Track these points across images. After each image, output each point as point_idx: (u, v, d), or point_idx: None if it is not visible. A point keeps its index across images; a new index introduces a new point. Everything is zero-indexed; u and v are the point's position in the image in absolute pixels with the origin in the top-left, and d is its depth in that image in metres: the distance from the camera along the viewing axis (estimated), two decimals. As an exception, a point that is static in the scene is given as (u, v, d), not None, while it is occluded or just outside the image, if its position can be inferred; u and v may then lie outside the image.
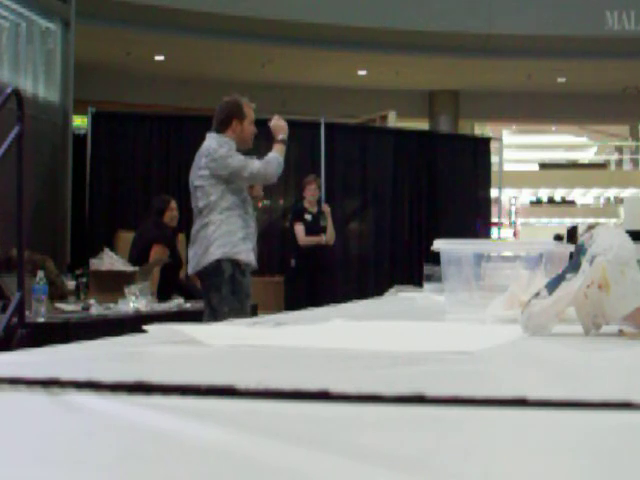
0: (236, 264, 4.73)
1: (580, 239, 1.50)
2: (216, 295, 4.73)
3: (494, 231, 13.06)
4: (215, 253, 4.71)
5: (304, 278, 8.16)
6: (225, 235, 4.72)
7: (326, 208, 8.43)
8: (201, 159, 4.85)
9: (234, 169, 4.76)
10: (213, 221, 4.75)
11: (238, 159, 4.79)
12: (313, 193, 8.31)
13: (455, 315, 1.99)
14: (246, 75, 15.51)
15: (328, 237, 8.28)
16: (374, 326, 1.76)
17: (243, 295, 4.77)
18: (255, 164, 4.78)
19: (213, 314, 4.67)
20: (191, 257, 4.85)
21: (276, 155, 4.86)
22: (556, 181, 27.60)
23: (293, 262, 8.28)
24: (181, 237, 8.89)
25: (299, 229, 8.16)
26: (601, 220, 26.37)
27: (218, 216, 4.75)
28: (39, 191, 8.35)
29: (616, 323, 1.47)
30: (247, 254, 4.77)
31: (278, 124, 4.98)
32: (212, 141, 4.88)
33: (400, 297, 3.21)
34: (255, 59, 14.80)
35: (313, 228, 8.18)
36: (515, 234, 26.14)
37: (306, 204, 8.32)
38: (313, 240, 8.16)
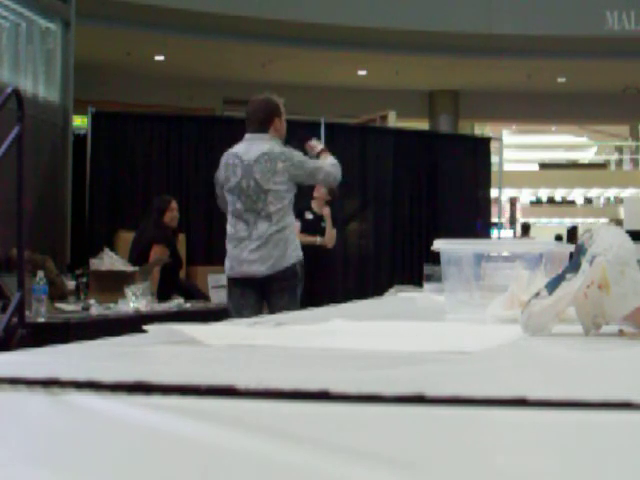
0: (302, 266, 4.97)
1: (580, 239, 1.50)
2: (290, 296, 4.86)
3: (495, 231, 13.07)
4: (292, 256, 4.88)
5: (308, 278, 8.11)
6: (295, 239, 4.98)
7: (326, 211, 8.38)
8: (275, 163, 4.86)
9: (311, 171, 4.91)
10: (288, 224, 4.91)
11: (313, 162, 4.96)
12: (323, 196, 8.23)
13: (455, 315, 1.99)
14: (246, 75, 15.51)
15: (326, 239, 8.23)
16: (374, 326, 1.76)
17: (300, 297, 5.00)
18: (327, 166, 4.94)
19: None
20: (263, 258, 4.87)
21: (332, 158, 5.04)
22: (556, 181, 27.60)
23: None
24: (181, 237, 8.89)
25: (295, 226, 8.10)
26: (601, 220, 26.42)
27: (290, 220, 4.94)
28: (39, 191, 8.35)
29: (616, 323, 1.47)
30: None
31: (312, 144, 5.17)
32: (275, 145, 4.92)
33: (400, 297, 3.21)
34: (255, 59, 14.80)
35: (312, 228, 8.14)
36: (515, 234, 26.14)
37: (313, 204, 8.28)
38: (307, 239, 8.11)
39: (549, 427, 0.70)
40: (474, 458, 0.60)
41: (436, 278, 2.69)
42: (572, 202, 30.45)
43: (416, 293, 3.13)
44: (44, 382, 0.83)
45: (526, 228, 15.34)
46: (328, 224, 8.27)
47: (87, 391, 0.81)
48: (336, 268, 9.70)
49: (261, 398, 0.78)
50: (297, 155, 4.91)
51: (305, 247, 8.07)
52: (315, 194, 8.25)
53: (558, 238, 13.43)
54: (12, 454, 0.60)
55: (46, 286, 4.86)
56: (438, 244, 2.08)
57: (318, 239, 8.15)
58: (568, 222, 25.31)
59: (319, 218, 8.25)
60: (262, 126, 4.94)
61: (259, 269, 4.86)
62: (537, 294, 1.49)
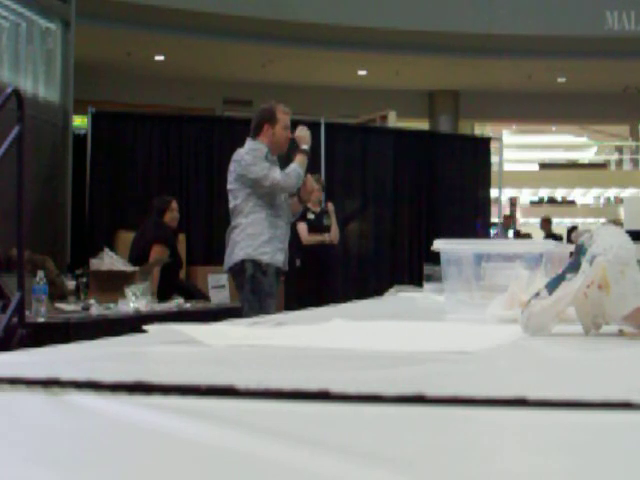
0: (258, 264, 4.99)
1: (580, 239, 1.50)
2: (240, 294, 5.08)
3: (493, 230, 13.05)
4: (239, 254, 5.01)
5: (310, 278, 8.12)
6: (249, 237, 5.00)
7: (330, 207, 8.39)
8: (231, 163, 5.09)
9: (256, 177, 4.98)
10: (239, 224, 5.04)
11: (261, 168, 4.99)
12: (316, 193, 8.23)
13: (455, 315, 1.99)
14: (246, 75, 15.51)
15: (332, 236, 8.25)
16: (374, 326, 1.76)
17: (263, 294, 5.01)
18: (276, 175, 4.99)
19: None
20: (225, 256, 5.18)
21: (296, 167, 5.08)
22: (556, 181, 27.59)
23: (298, 262, 8.22)
24: (181, 237, 8.89)
25: (302, 228, 8.12)
26: (601, 220, 26.37)
27: (243, 219, 5.02)
28: (39, 191, 8.35)
29: (616, 323, 1.47)
30: (272, 255, 5.03)
31: (301, 134, 5.19)
32: (245, 146, 5.10)
33: (400, 297, 3.21)
34: (255, 59, 14.80)
35: (316, 227, 8.15)
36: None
37: (308, 204, 8.26)
38: (317, 239, 8.13)
39: (549, 427, 0.70)
40: (474, 458, 0.60)
41: (436, 278, 2.70)
42: (572, 202, 30.44)
43: (416, 293, 3.13)
44: (44, 382, 0.83)
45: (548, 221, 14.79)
46: (333, 219, 8.28)
47: (87, 391, 0.81)
48: (337, 267, 9.70)
49: (261, 398, 0.78)
50: (248, 158, 5.00)
51: (315, 246, 8.11)
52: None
53: (558, 238, 13.42)
54: (12, 454, 0.60)
55: (46, 286, 4.86)
56: (438, 244, 2.08)
57: (327, 236, 8.17)
58: (568, 222, 25.30)
59: (320, 215, 8.25)
60: (253, 132, 5.13)
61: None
62: (537, 294, 1.49)
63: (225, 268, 5.19)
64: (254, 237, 5.00)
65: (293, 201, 5.30)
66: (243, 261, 4.99)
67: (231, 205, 5.10)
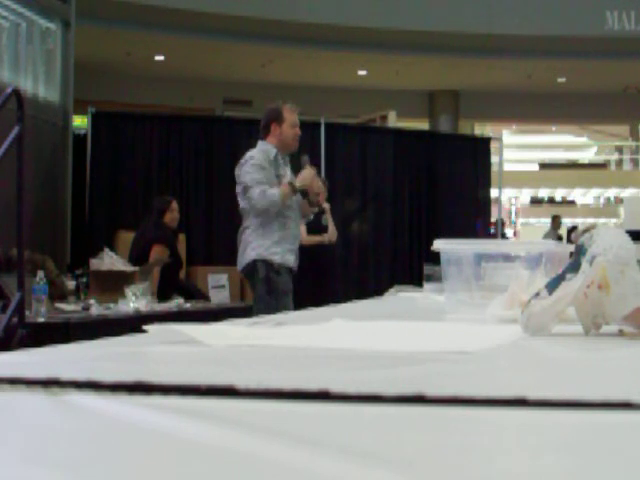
0: (270, 264, 5.01)
1: (580, 239, 1.50)
2: (254, 293, 5.11)
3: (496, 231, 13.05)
4: (251, 255, 5.03)
5: (309, 278, 8.11)
6: (260, 238, 5.01)
7: (326, 207, 8.38)
8: (236, 166, 5.12)
9: (244, 187, 5.00)
10: (249, 225, 5.06)
11: (250, 179, 4.97)
12: (322, 195, 8.21)
13: (455, 315, 1.99)
14: (246, 75, 15.51)
15: (330, 235, 8.24)
16: (374, 326, 1.76)
17: (280, 293, 5.03)
18: (254, 193, 4.94)
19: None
20: (237, 256, 5.20)
21: (276, 193, 4.94)
22: (556, 181, 27.60)
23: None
24: (181, 237, 8.89)
25: (301, 229, 8.11)
26: (601, 220, 26.38)
27: (254, 220, 5.04)
28: (39, 191, 8.34)
29: (616, 323, 1.47)
30: (282, 255, 5.04)
31: (302, 173, 5.07)
32: (254, 149, 5.10)
33: (400, 297, 3.21)
34: (255, 59, 14.79)
35: (314, 228, 8.14)
36: (515, 234, 26.11)
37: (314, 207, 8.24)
38: (315, 240, 8.12)
39: (549, 427, 0.70)
40: (474, 458, 0.60)
41: (436, 278, 2.70)
42: (572, 202, 30.43)
43: (416, 293, 3.13)
44: (44, 382, 0.83)
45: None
46: (330, 219, 8.27)
47: (87, 391, 0.81)
48: (336, 268, 9.70)
49: (261, 398, 0.78)
50: (248, 166, 4.99)
51: (314, 247, 8.09)
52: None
53: (559, 238, 13.41)
54: (12, 454, 0.60)
55: (46, 286, 4.86)
56: (438, 244, 2.09)
57: (325, 236, 8.16)
58: (568, 222, 25.31)
59: (318, 216, 8.24)
60: (261, 133, 5.15)
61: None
62: (537, 294, 1.49)
63: (238, 268, 5.21)
64: (265, 237, 5.02)
65: (303, 203, 5.28)
66: (255, 261, 5.01)
67: (240, 206, 5.12)
